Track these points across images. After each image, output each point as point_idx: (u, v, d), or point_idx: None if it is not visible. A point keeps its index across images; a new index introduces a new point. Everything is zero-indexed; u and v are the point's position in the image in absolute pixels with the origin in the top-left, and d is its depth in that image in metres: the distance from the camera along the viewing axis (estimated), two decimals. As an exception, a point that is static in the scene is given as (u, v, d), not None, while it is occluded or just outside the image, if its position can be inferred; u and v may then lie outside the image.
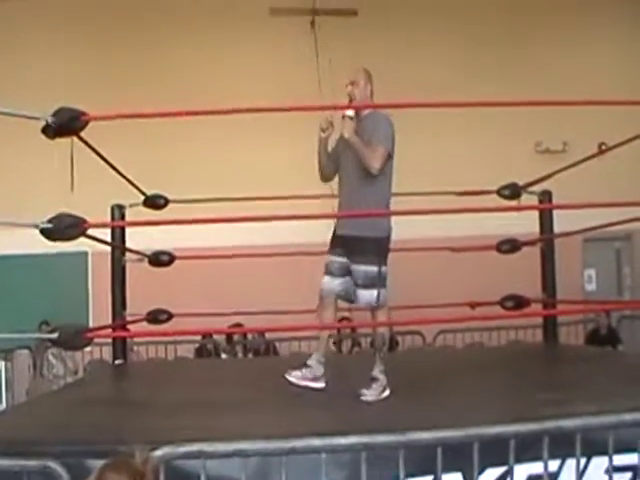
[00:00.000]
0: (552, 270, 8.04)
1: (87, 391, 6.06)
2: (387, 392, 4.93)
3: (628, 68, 12.61)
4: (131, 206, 7.49)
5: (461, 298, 7.69)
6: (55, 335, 4.84)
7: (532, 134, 12.50)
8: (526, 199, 7.64)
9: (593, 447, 3.38)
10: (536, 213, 8.12)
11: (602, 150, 8.16)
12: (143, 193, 7.55)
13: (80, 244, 5.14)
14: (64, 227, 4.72)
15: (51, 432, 4.09)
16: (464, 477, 3.44)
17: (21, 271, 11.89)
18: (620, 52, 12.92)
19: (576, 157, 7.39)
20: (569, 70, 12.41)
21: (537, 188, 7.79)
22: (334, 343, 10.84)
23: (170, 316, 7.75)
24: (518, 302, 7.76)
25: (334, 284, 5.12)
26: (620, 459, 3.32)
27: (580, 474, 3.29)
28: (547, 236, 8.00)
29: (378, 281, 5.02)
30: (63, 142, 4.95)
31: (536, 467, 3.36)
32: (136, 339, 9.90)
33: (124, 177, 6.75)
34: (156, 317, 7.67)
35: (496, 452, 3.18)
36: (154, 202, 7.63)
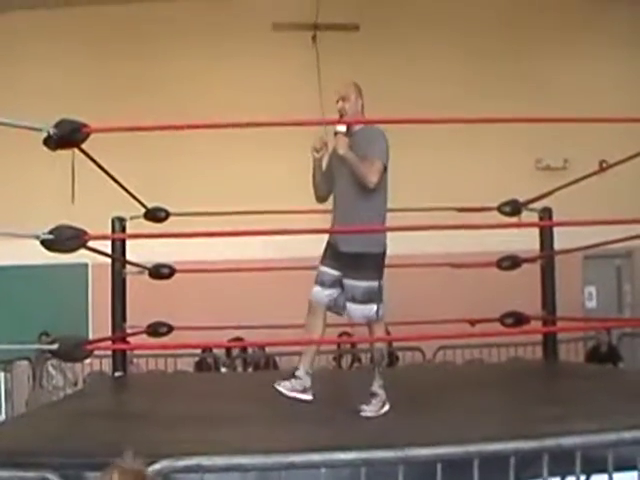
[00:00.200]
0: (552, 287, 8.05)
1: (86, 403, 6.06)
2: (387, 407, 4.92)
3: (629, 85, 12.62)
4: (132, 218, 7.51)
5: (461, 314, 7.69)
6: (55, 346, 4.85)
7: (533, 151, 12.51)
8: (526, 216, 7.65)
9: (593, 465, 3.36)
10: (536, 230, 8.13)
11: (603, 167, 8.17)
12: (144, 206, 7.56)
13: (80, 256, 5.14)
14: (65, 239, 4.73)
15: (50, 443, 4.09)
16: (463, 494, 3.43)
17: (21, 282, 11.89)
18: (621, 69, 12.93)
19: (577, 174, 7.39)
20: (570, 86, 12.44)
21: (538, 205, 7.80)
22: (334, 359, 10.84)
23: (170, 329, 7.75)
24: (518, 319, 7.76)
25: (324, 294, 5.09)
26: (620, 477, 3.31)
27: (580, 492, 3.28)
28: (547, 253, 8.00)
29: (377, 296, 5.02)
30: (64, 154, 4.95)
31: (536, 484, 3.35)
32: (136, 351, 9.90)
33: (125, 189, 6.77)
34: (156, 330, 7.67)
35: (496, 469, 3.17)
36: (155, 215, 7.64)
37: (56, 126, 4.73)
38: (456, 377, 7.64)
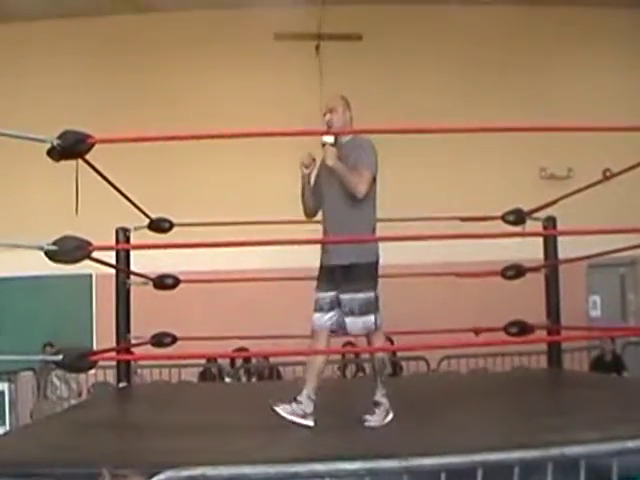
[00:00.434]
0: (556, 296, 8.04)
1: (91, 413, 6.06)
2: (391, 415, 4.91)
3: (632, 94, 12.62)
4: (136, 229, 7.52)
5: (465, 324, 7.68)
6: (59, 357, 4.85)
7: (537, 160, 12.52)
8: (531, 225, 7.64)
9: (597, 474, 3.35)
10: (541, 239, 8.12)
11: (607, 176, 8.16)
12: (148, 216, 7.57)
13: (85, 266, 5.14)
14: (69, 249, 4.73)
15: (54, 454, 4.09)
16: (468, 503, 3.42)
17: (26, 293, 11.91)
18: (623, 78, 12.93)
19: (581, 183, 7.38)
20: (572, 96, 12.46)
21: (542, 214, 7.80)
22: (338, 368, 10.84)
23: (174, 339, 7.75)
24: (522, 328, 7.74)
25: (325, 319, 5.05)
26: (624, 486, 3.31)
27: (584, 501, 3.27)
28: (552, 262, 8.00)
29: (374, 306, 4.99)
30: (68, 165, 4.96)
31: (540, 494, 3.34)
32: (140, 362, 9.91)
33: (129, 200, 6.77)
34: (160, 340, 7.67)
35: (500, 478, 3.17)
36: (159, 225, 7.65)
37: (60, 137, 4.73)
38: (460, 386, 7.62)
